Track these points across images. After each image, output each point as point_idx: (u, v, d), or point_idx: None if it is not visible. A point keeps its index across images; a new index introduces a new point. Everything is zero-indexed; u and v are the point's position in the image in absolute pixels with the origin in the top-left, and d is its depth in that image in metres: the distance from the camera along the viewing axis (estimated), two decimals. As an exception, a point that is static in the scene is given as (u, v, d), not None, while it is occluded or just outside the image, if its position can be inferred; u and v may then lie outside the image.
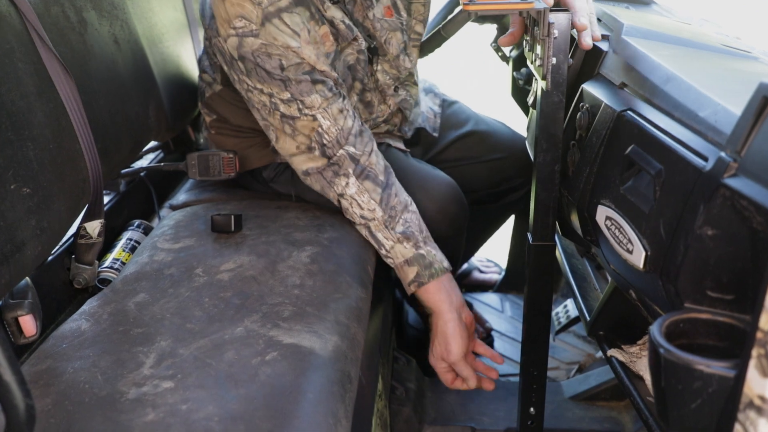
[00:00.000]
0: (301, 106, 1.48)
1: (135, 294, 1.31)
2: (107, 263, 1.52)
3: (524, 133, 1.82)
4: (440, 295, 1.53)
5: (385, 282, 1.79)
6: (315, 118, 1.49)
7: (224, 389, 1.04)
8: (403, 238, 1.53)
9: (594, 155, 1.16)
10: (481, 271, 2.62)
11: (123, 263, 1.52)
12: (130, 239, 1.62)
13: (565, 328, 2.12)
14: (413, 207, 1.57)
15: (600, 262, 1.36)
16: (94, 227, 1.41)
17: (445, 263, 1.54)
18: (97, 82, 1.44)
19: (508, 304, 2.45)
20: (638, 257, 0.99)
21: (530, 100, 1.64)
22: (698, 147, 0.89)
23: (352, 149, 1.51)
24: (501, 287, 2.54)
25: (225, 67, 1.54)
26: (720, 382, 0.77)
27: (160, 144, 2.03)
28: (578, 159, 1.24)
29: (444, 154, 1.96)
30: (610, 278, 1.35)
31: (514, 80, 2.03)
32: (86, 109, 1.35)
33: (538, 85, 1.27)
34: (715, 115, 0.91)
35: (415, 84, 1.81)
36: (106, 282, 1.48)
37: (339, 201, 1.54)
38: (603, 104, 1.17)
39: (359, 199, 1.52)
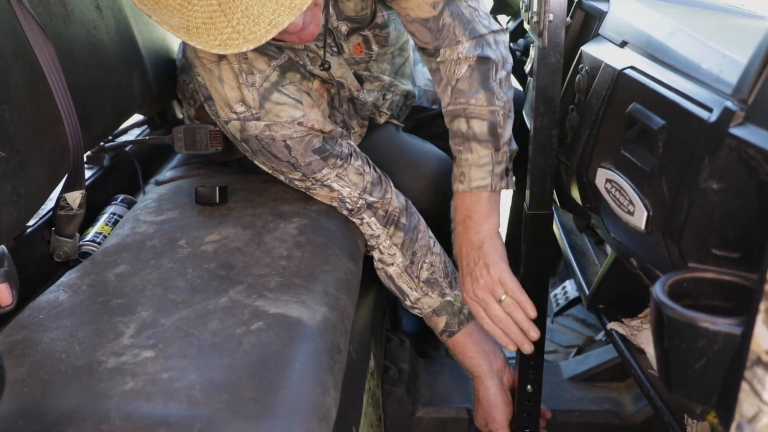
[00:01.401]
0: (314, 182, 1.48)
1: (115, 266, 1.28)
2: (89, 237, 1.49)
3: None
4: (474, 350, 1.50)
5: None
6: (333, 189, 1.48)
7: (207, 358, 1.02)
8: (428, 288, 1.50)
9: (594, 117, 1.14)
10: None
11: (105, 237, 1.49)
12: (114, 213, 1.59)
13: (563, 310, 2.10)
14: (437, 248, 1.54)
15: (600, 233, 1.34)
16: (75, 198, 1.38)
17: None
18: (78, 48, 1.41)
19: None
20: (640, 218, 0.96)
21: (527, 68, 1.61)
22: (702, 99, 0.87)
23: (370, 198, 1.49)
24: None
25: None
26: (726, 339, 0.75)
27: (145, 119, 2.00)
28: (577, 123, 1.22)
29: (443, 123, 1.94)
30: (610, 250, 1.33)
31: (511, 52, 2.00)
32: (66, 75, 1.32)
33: (535, 49, 1.24)
34: (720, 66, 0.88)
35: (407, 78, 1.78)
36: (87, 256, 1.45)
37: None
38: (603, 64, 1.14)
39: (381, 246, 1.51)
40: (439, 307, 1.50)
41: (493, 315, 1.41)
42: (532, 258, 1.37)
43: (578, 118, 1.22)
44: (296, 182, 1.49)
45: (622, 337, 1.26)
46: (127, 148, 1.85)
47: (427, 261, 1.50)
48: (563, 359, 2.03)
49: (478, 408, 1.53)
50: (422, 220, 1.55)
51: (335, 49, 1.53)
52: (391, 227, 1.50)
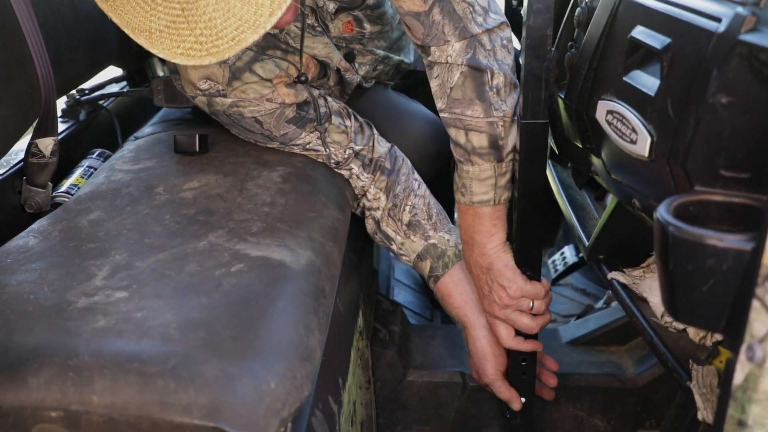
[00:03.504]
0: (296, 147, 1.46)
1: (89, 212, 1.25)
2: (63, 189, 1.47)
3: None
4: (461, 299, 1.47)
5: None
6: (317, 151, 1.46)
7: (184, 298, 0.99)
8: (410, 231, 1.48)
9: (594, 48, 1.11)
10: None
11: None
12: (90, 167, 1.56)
13: (562, 276, 2.07)
14: (421, 190, 1.51)
15: (600, 180, 1.31)
16: (47, 145, 1.35)
17: (459, 248, 1.48)
18: (49, -14, 1.38)
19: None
20: (643, 145, 0.93)
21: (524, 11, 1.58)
22: (710, 10, 0.84)
23: (356, 147, 1.47)
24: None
25: None
26: (736, 257, 0.72)
27: (124, 75, 1.96)
28: (577, 60, 1.19)
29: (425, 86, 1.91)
30: (610, 198, 1.30)
31: (507, 1, 1.98)
32: (37, 12, 1.28)
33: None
34: (729, -25, 0.85)
35: (402, 51, 1.76)
36: (60, 207, 1.41)
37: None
38: (604, -7, 1.11)
39: (368, 193, 1.49)
40: (423, 251, 1.48)
41: (525, 325, 1.40)
42: (526, 173, 1.32)
43: (578, 55, 1.19)
44: (278, 147, 1.47)
45: (624, 286, 1.24)
46: (104, 104, 1.81)
47: (409, 203, 1.48)
48: (562, 328, 2.01)
49: (471, 361, 1.50)
50: (407, 163, 1.52)
51: (319, 29, 1.50)
52: (377, 173, 1.48)
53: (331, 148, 1.45)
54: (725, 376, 0.74)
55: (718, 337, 1.11)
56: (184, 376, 0.85)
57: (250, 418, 0.84)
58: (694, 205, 0.81)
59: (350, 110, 1.49)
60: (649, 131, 0.92)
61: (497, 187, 1.37)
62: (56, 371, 0.86)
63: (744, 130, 0.79)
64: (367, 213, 1.50)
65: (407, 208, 1.48)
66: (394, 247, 1.50)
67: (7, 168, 1.38)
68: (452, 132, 1.38)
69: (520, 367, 1.45)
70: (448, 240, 1.49)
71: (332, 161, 1.47)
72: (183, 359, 0.87)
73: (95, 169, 1.55)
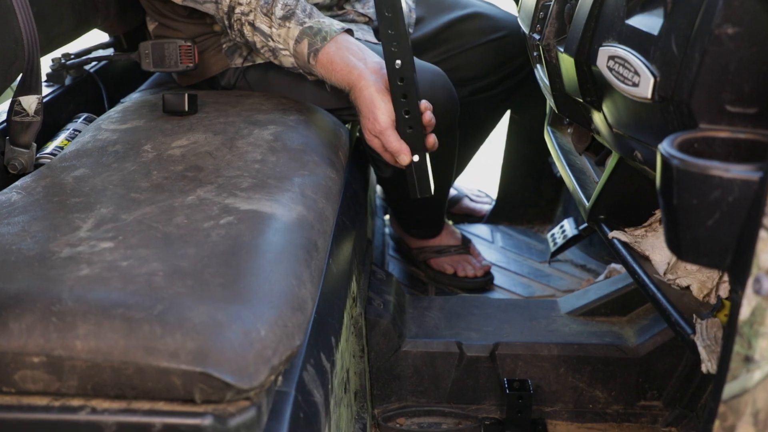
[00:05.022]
0: None
1: (74, 169, 1.23)
2: (48, 150, 1.44)
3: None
4: (343, 59, 1.41)
5: (362, 186, 1.73)
6: None
7: (171, 249, 0.97)
8: (284, 21, 1.44)
9: (594, -3, 1.10)
10: (472, 200, 2.56)
11: (65, 152, 1.45)
12: (76, 130, 1.54)
13: (561, 249, 2.06)
14: None
15: (601, 139, 1.30)
16: (31, 103, 1.33)
17: (341, 26, 1.44)
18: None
19: (499, 235, 2.39)
20: (646, 86, 0.92)
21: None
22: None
23: None
24: (491, 218, 2.48)
25: None
26: (742, 187, 0.71)
27: (111, 41, 1.95)
28: (576, 9, 1.18)
29: (436, 47, 1.90)
30: (611, 155, 1.30)
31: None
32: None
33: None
34: None
35: None
36: (44, 169, 1.40)
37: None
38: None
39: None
40: (300, 35, 1.43)
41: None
42: None
43: (577, 4, 1.18)
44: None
45: (625, 244, 1.23)
46: (91, 69, 1.79)
47: (281, 1, 1.44)
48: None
49: (362, 119, 1.43)
50: None
51: None
52: None
53: None
54: (731, 314, 0.73)
55: (722, 293, 1.10)
56: (171, 322, 0.84)
57: (239, 363, 0.82)
58: (698, 142, 0.80)
59: None
60: (651, 72, 0.91)
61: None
62: (38, 316, 0.84)
63: (750, 62, 0.78)
64: (243, 20, 1.46)
65: (279, 4, 1.44)
66: (271, 43, 1.46)
67: (-10, 128, 1.37)
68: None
69: (404, 121, 1.38)
70: (323, 21, 1.44)
71: None
72: (170, 305, 0.86)
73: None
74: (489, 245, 2.33)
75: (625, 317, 1.68)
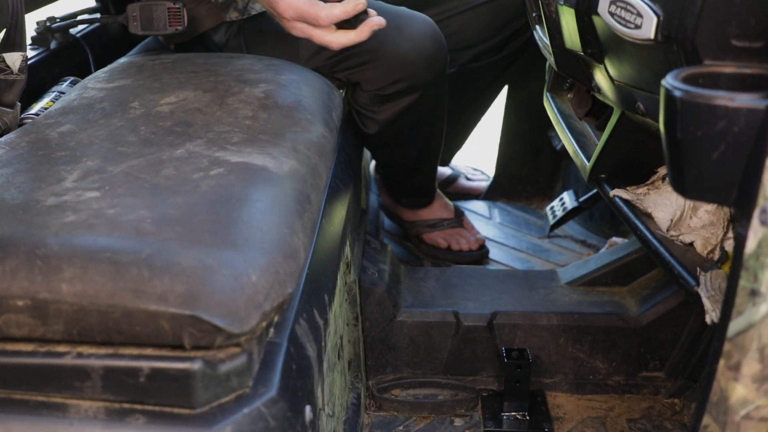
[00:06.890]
0: None
1: (59, 125, 1.23)
2: (33, 111, 1.44)
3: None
4: None
5: (356, 154, 1.72)
6: None
7: (159, 198, 0.97)
8: None
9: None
10: (468, 179, 2.56)
11: (50, 113, 1.44)
12: (61, 92, 1.53)
13: (560, 222, 2.06)
14: None
15: (602, 96, 1.30)
16: (15, 60, 1.32)
17: None
18: None
19: (497, 211, 2.39)
20: (649, 27, 0.92)
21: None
22: None
23: None
24: (488, 195, 2.48)
25: None
26: (748, 117, 0.71)
27: (98, 6, 1.94)
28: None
29: (434, 5, 1.90)
30: (612, 114, 1.29)
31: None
32: None
33: None
34: None
35: None
36: (29, 129, 1.39)
37: None
38: None
39: None
40: None
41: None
42: None
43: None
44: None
45: (627, 202, 1.23)
46: (77, 34, 1.78)
47: None
48: (560, 278, 2.00)
49: (280, 22, 1.43)
50: None
51: None
52: None
53: None
54: (736, 248, 0.73)
55: (727, 248, 1.10)
56: (159, 266, 0.84)
57: (229, 307, 0.82)
58: (703, 78, 0.79)
59: None
60: (654, 11, 0.90)
61: None
62: (23, 260, 0.84)
63: (757, -7, 0.78)
64: None
65: None
66: None
67: (-28, 87, 1.36)
68: None
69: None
70: None
71: None
72: (158, 250, 0.85)
73: (67, 95, 1.53)
74: (486, 221, 2.33)
75: (626, 287, 1.68)
